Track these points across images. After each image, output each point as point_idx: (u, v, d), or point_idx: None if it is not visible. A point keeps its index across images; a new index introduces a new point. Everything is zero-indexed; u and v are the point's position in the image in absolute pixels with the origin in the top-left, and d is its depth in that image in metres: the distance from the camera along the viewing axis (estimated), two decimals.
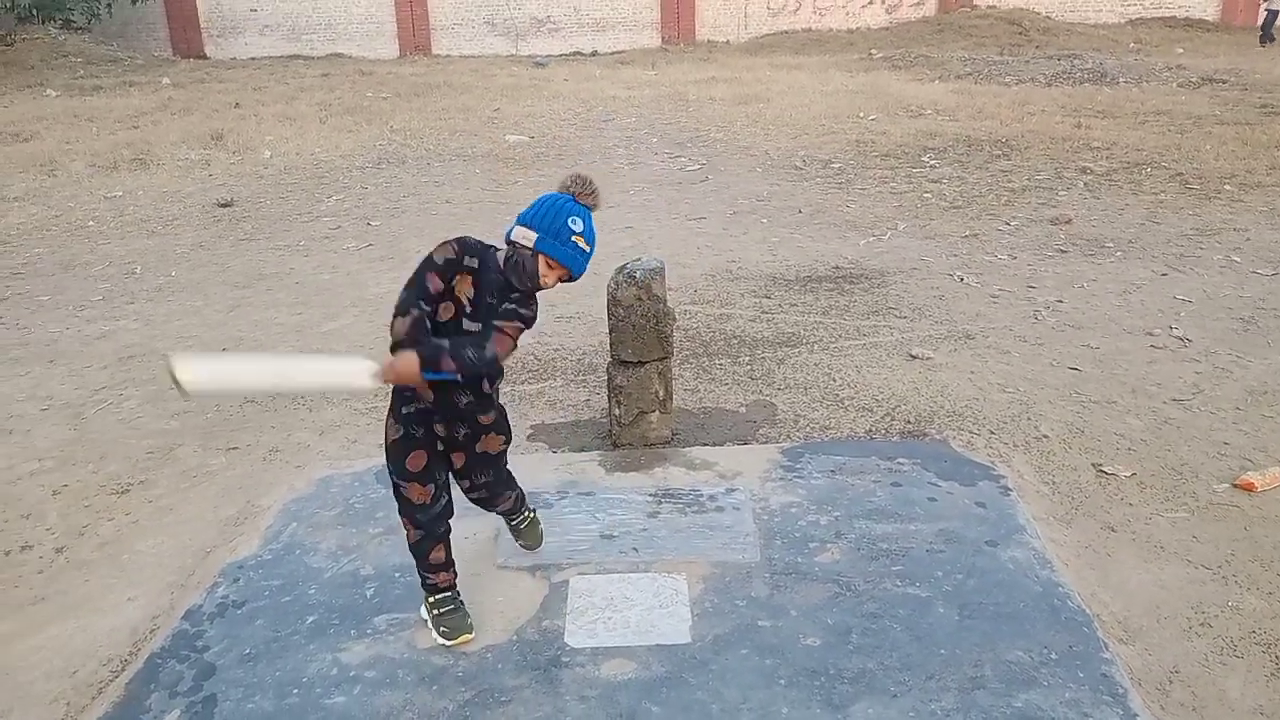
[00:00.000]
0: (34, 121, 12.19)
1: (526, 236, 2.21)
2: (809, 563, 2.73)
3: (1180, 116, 10.38)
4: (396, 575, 2.73)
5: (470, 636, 2.44)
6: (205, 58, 22.70)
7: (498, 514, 2.68)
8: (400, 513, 2.42)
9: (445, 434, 2.38)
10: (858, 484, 3.15)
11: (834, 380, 4.07)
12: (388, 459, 2.40)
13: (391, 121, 11.43)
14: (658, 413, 3.48)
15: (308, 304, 5.41)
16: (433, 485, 2.39)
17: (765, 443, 3.52)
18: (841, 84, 13.49)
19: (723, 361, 4.32)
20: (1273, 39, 17.72)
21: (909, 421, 3.67)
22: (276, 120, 11.61)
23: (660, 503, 3.08)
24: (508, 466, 2.58)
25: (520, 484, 2.67)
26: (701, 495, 3.11)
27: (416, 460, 2.37)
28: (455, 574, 2.50)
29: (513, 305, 2.22)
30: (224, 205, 7.85)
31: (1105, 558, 2.80)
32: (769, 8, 22.43)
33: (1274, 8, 17.86)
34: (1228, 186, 7.31)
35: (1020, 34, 19.64)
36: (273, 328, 5.03)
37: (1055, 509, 3.06)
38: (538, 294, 2.27)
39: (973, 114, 10.79)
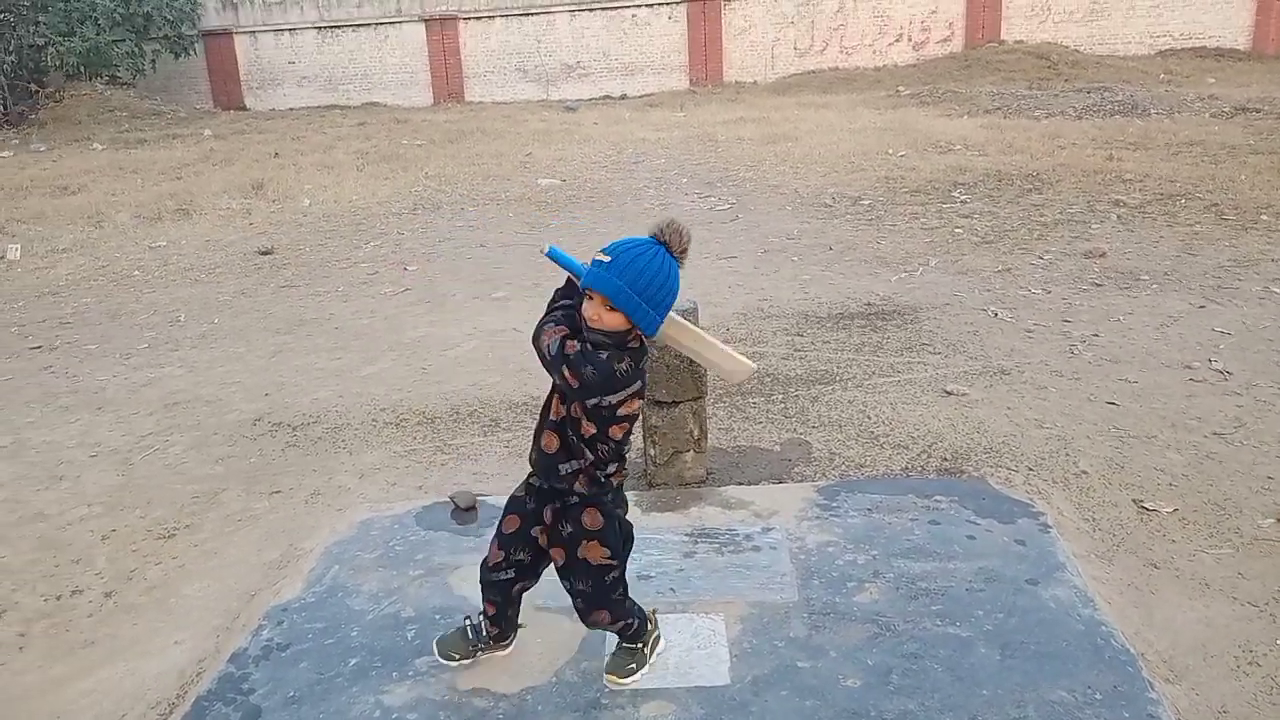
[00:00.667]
0: (81, 175, 12.60)
1: None
2: (847, 602, 2.72)
3: (1214, 147, 10.30)
4: (437, 617, 2.75)
5: (441, 659, 2.49)
6: (245, 109, 23.35)
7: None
8: None
9: (550, 524, 2.30)
10: (895, 522, 3.14)
11: (869, 418, 4.07)
12: None
13: (426, 168, 11.65)
14: (692, 452, 3.50)
15: (347, 348, 5.51)
16: (504, 554, 2.35)
17: (800, 481, 3.52)
18: (870, 121, 13.56)
19: (756, 400, 4.34)
20: None
21: (945, 459, 3.66)
22: (315, 169, 11.89)
23: (696, 542, 3.09)
24: (620, 593, 2.37)
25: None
26: (738, 535, 3.12)
27: (510, 523, 2.36)
28: (499, 629, 2.48)
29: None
30: (264, 253, 8.03)
31: (1149, 595, 2.77)
32: (796, 48, 22.66)
33: None
34: (1264, 216, 7.24)
35: (1049, 68, 19.62)
36: (313, 372, 5.13)
37: (1096, 546, 3.03)
38: (631, 346, 2.14)
39: (1002, 148, 10.78)
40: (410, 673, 2.53)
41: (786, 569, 2.90)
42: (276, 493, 3.76)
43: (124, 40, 21.18)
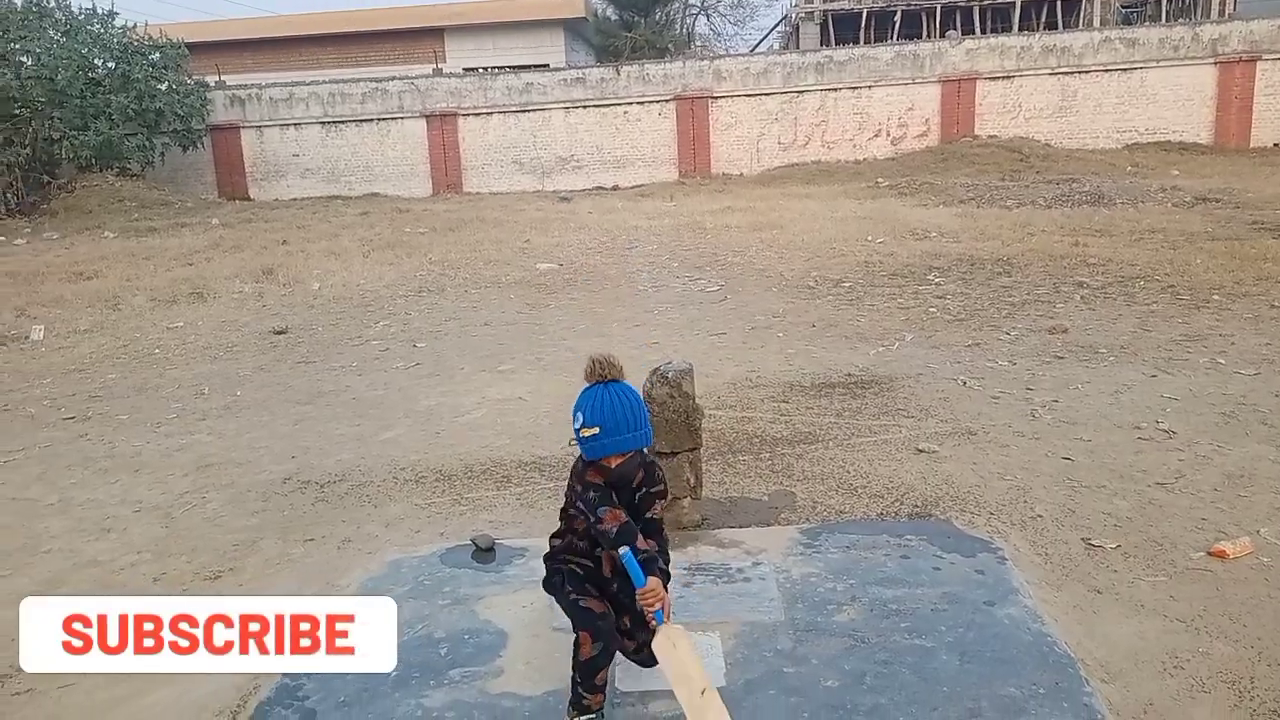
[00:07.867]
0: (96, 261, 13.13)
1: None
2: (827, 621, 3.10)
3: (1174, 233, 10.97)
4: (465, 637, 3.12)
5: None
6: (249, 199, 24.12)
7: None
8: (579, 624, 2.62)
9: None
10: (870, 557, 3.53)
11: (848, 472, 4.49)
12: (555, 590, 2.81)
13: (430, 254, 12.22)
14: (689, 498, 3.90)
15: (364, 416, 5.91)
16: (607, 601, 2.70)
17: (786, 525, 3.92)
18: (850, 211, 14.28)
19: (745, 458, 4.75)
20: None
21: (916, 506, 4.06)
22: (322, 255, 12.45)
23: (694, 575, 3.47)
24: None
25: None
26: (730, 568, 3.50)
27: (590, 598, 2.69)
28: (604, 697, 2.68)
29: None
30: (279, 332, 8.49)
31: (1091, 615, 3.16)
32: (780, 142, 23.70)
33: None
34: (1216, 296, 7.79)
35: (1021, 160, 20.61)
36: (335, 438, 5.52)
37: (1047, 576, 3.42)
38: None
39: (975, 235, 11.44)
40: (445, 681, 2.88)
41: (774, 595, 3.28)
42: (310, 540, 4.12)
43: (136, 134, 22.04)
